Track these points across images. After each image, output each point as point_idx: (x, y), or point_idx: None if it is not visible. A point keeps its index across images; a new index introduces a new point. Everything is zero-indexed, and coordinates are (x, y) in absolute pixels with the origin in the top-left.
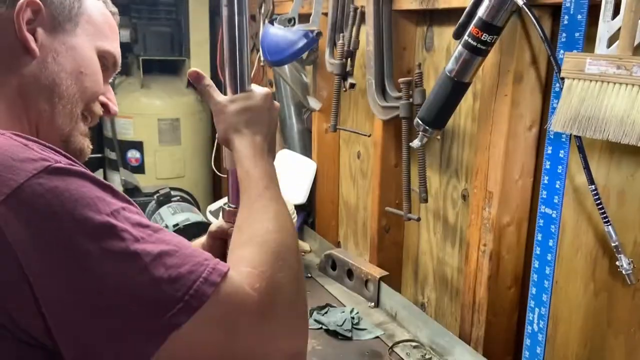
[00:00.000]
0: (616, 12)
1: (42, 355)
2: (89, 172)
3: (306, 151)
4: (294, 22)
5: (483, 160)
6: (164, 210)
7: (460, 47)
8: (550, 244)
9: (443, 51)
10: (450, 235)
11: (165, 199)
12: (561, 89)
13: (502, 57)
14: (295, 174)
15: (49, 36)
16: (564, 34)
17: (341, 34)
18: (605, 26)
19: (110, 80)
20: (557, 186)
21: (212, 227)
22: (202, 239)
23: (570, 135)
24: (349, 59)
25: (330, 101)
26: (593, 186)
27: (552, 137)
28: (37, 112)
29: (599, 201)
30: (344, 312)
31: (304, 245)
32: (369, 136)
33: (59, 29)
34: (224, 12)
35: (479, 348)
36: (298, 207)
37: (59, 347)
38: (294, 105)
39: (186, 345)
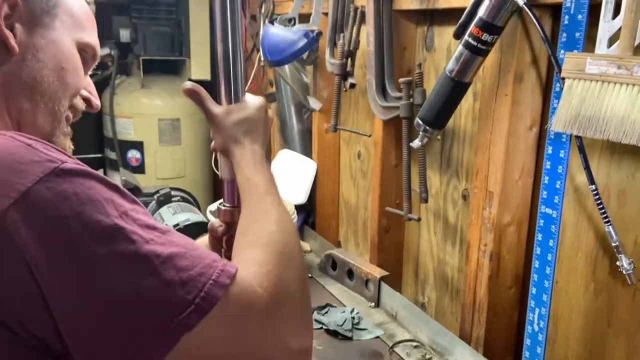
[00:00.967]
0: (617, 12)
1: None
2: (95, 172)
3: (306, 151)
4: (294, 22)
5: (483, 160)
6: (165, 210)
7: (460, 47)
8: (551, 244)
9: (443, 51)
10: (450, 235)
11: (165, 199)
12: (562, 89)
13: (502, 57)
14: (295, 174)
15: (28, 31)
16: (564, 34)
17: (341, 34)
18: (606, 26)
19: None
20: (558, 186)
21: (209, 225)
22: (205, 238)
23: (571, 135)
24: (349, 59)
25: (330, 101)
26: (593, 186)
27: (552, 137)
28: (18, 111)
29: (599, 201)
30: (344, 312)
31: (305, 245)
32: (370, 136)
33: (37, 24)
34: (217, 21)
35: (479, 348)
36: (298, 207)
37: (69, 351)
38: (294, 105)
39: (196, 346)
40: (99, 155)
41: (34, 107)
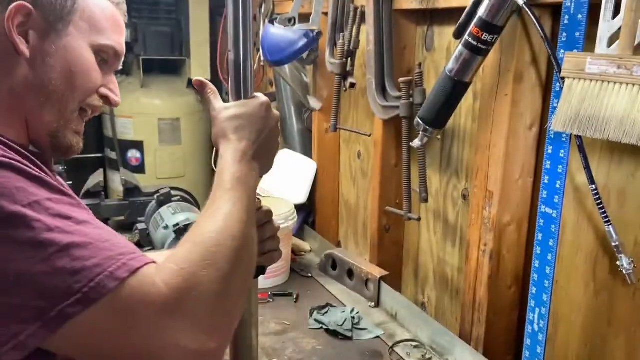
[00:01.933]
0: (616, 11)
1: None
2: (17, 163)
3: (306, 151)
4: (294, 22)
5: (483, 160)
6: (164, 210)
7: (460, 46)
8: (551, 243)
9: (443, 51)
10: (450, 235)
11: (165, 199)
12: (561, 88)
13: (502, 56)
14: (295, 173)
15: (41, 38)
16: (564, 34)
17: (341, 34)
18: (606, 26)
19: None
20: (558, 186)
21: None
22: None
23: (571, 135)
24: (349, 59)
25: (330, 101)
26: (593, 186)
27: (552, 136)
28: (26, 109)
29: (599, 201)
30: (344, 311)
31: (304, 245)
32: (369, 136)
33: (50, 30)
34: (230, 24)
35: (479, 348)
36: (298, 207)
37: None
38: (294, 105)
39: (81, 335)
40: (99, 155)
41: (41, 107)
